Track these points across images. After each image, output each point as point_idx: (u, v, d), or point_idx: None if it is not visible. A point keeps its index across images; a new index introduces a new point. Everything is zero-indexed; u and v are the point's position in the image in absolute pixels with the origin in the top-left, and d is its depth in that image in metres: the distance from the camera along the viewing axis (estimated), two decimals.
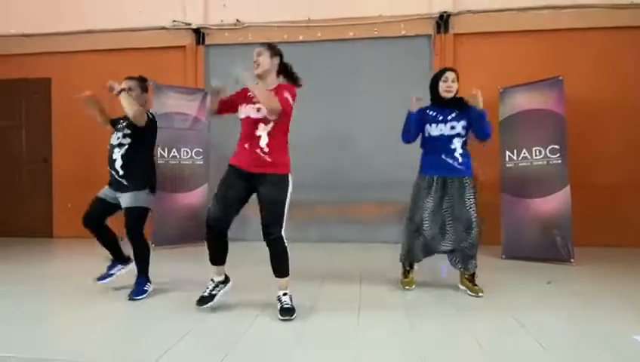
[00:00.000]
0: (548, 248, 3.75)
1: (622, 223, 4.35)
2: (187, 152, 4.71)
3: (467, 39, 4.75)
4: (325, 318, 2.36)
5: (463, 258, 2.78)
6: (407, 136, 2.88)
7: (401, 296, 2.78)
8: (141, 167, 2.74)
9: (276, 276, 2.44)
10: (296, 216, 4.44)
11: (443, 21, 4.74)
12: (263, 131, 2.37)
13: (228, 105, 2.53)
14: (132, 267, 2.89)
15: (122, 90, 2.66)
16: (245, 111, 2.43)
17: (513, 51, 4.63)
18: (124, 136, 2.73)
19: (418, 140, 2.92)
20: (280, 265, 2.41)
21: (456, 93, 2.80)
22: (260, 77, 2.42)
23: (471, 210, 2.71)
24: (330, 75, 4.89)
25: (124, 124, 2.79)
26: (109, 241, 2.87)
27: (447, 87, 2.76)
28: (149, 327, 2.29)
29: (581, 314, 2.42)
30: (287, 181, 2.41)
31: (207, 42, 5.10)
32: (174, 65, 5.11)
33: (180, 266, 3.65)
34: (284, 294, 2.43)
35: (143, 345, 2.03)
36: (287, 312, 2.34)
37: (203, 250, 2.56)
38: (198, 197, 4.72)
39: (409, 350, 1.95)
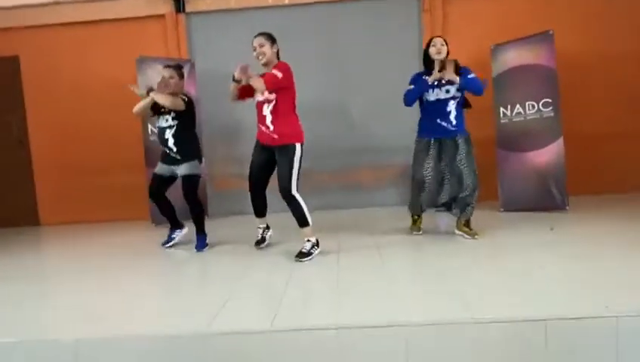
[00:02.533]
0: (543, 198, 3.90)
1: (611, 171, 4.50)
2: None
3: None
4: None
5: (461, 206, 3.14)
6: (410, 103, 3.16)
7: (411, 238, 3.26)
8: (189, 141, 3.21)
9: (299, 227, 2.91)
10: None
11: None
12: (267, 111, 2.81)
13: (245, 92, 2.92)
14: (185, 231, 3.47)
15: (150, 90, 3.06)
16: (256, 96, 2.89)
17: (504, 7, 4.59)
18: (173, 118, 3.14)
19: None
20: (297, 217, 2.88)
21: (447, 55, 3.06)
22: (265, 65, 2.82)
23: (462, 166, 3.05)
24: (319, 39, 4.76)
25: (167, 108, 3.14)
26: (168, 211, 3.33)
27: (437, 50, 3.04)
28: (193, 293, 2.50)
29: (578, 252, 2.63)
30: (294, 148, 2.81)
31: (187, 10, 4.85)
32: (154, 36, 4.85)
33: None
34: (307, 241, 2.90)
35: (198, 304, 2.19)
36: (300, 255, 2.83)
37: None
38: None
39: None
